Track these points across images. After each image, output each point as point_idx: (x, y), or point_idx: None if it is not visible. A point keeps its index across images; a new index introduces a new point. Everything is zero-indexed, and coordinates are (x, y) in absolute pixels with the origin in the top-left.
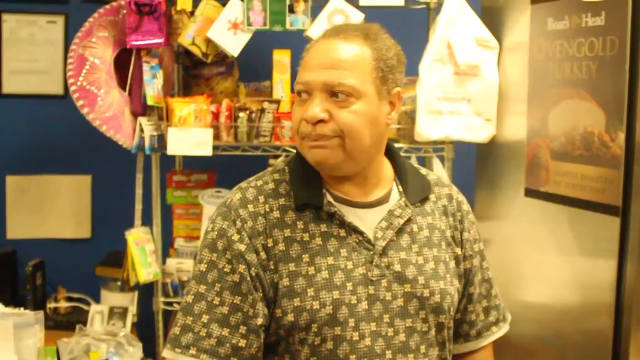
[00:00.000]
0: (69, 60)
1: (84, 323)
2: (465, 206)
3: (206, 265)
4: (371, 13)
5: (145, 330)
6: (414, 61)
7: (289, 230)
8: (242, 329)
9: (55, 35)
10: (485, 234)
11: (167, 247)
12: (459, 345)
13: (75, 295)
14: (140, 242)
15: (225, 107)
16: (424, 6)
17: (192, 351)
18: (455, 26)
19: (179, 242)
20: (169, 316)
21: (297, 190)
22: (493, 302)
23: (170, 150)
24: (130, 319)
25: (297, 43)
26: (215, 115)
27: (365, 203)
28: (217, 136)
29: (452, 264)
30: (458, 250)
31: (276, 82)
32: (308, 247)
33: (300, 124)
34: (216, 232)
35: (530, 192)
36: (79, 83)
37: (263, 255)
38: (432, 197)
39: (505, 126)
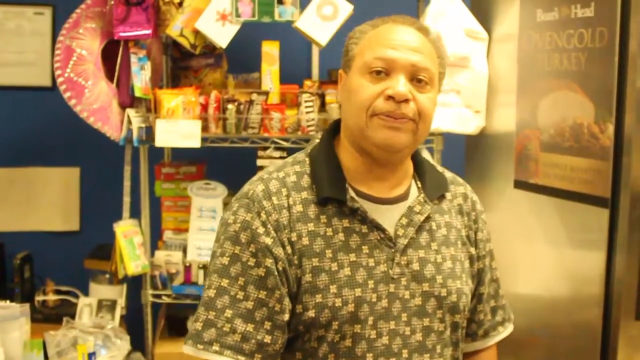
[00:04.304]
0: (56, 52)
1: (73, 316)
2: (479, 206)
3: (228, 259)
4: (360, 4)
5: (134, 323)
6: None
7: (312, 224)
8: (267, 325)
9: (42, 27)
10: None
11: (155, 240)
12: (466, 344)
13: (63, 288)
14: (128, 235)
15: (214, 99)
16: None
17: (216, 347)
18: (445, 17)
19: (167, 235)
20: (157, 309)
21: (320, 184)
22: (500, 302)
23: (159, 142)
24: (119, 311)
25: (286, 34)
26: (204, 107)
27: (386, 199)
28: (205, 128)
29: (467, 263)
30: (472, 250)
31: (265, 74)
32: (331, 242)
33: (376, 100)
34: (239, 225)
35: (519, 184)
36: (66, 75)
37: (289, 249)
38: (448, 195)
39: (494, 118)
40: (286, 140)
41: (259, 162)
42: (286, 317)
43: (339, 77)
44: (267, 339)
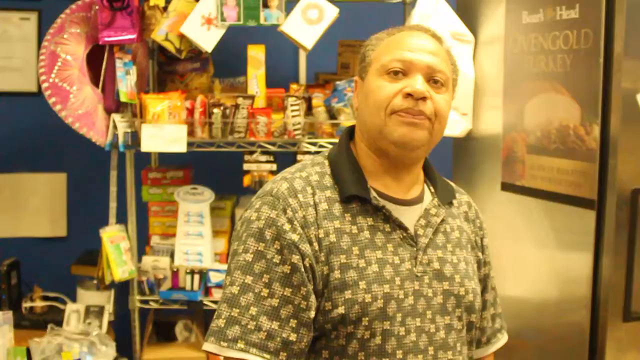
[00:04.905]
0: (41, 57)
1: (60, 322)
2: (481, 215)
3: (252, 255)
4: (346, 8)
5: (122, 329)
6: None
7: (338, 221)
8: (293, 323)
9: (28, 32)
10: None
11: (143, 245)
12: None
13: (51, 295)
14: (115, 240)
15: (200, 103)
16: (399, 0)
17: (241, 345)
18: (431, 20)
19: (154, 240)
20: (145, 314)
21: (343, 183)
22: (498, 310)
23: (145, 147)
24: (106, 317)
25: (272, 38)
26: (190, 112)
27: (403, 200)
28: (191, 132)
29: (476, 267)
30: (480, 255)
31: (251, 78)
32: (357, 239)
33: (394, 98)
34: (263, 221)
35: (506, 186)
36: (51, 80)
37: (316, 245)
38: (455, 202)
39: (481, 120)
40: (272, 144)
41: (246, 167)
42: (312, 314)
43: (355, 84)
44: (293, 337)
